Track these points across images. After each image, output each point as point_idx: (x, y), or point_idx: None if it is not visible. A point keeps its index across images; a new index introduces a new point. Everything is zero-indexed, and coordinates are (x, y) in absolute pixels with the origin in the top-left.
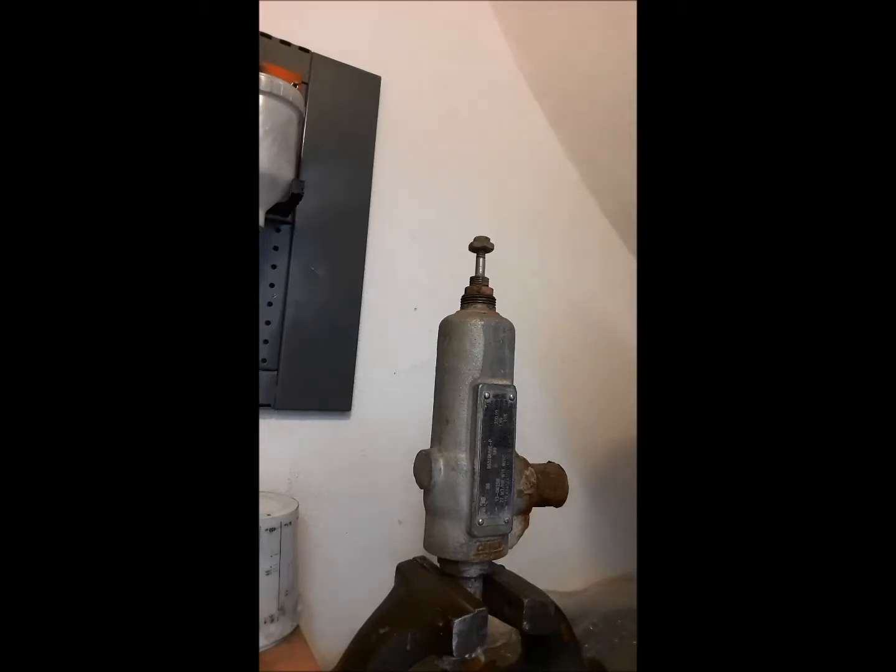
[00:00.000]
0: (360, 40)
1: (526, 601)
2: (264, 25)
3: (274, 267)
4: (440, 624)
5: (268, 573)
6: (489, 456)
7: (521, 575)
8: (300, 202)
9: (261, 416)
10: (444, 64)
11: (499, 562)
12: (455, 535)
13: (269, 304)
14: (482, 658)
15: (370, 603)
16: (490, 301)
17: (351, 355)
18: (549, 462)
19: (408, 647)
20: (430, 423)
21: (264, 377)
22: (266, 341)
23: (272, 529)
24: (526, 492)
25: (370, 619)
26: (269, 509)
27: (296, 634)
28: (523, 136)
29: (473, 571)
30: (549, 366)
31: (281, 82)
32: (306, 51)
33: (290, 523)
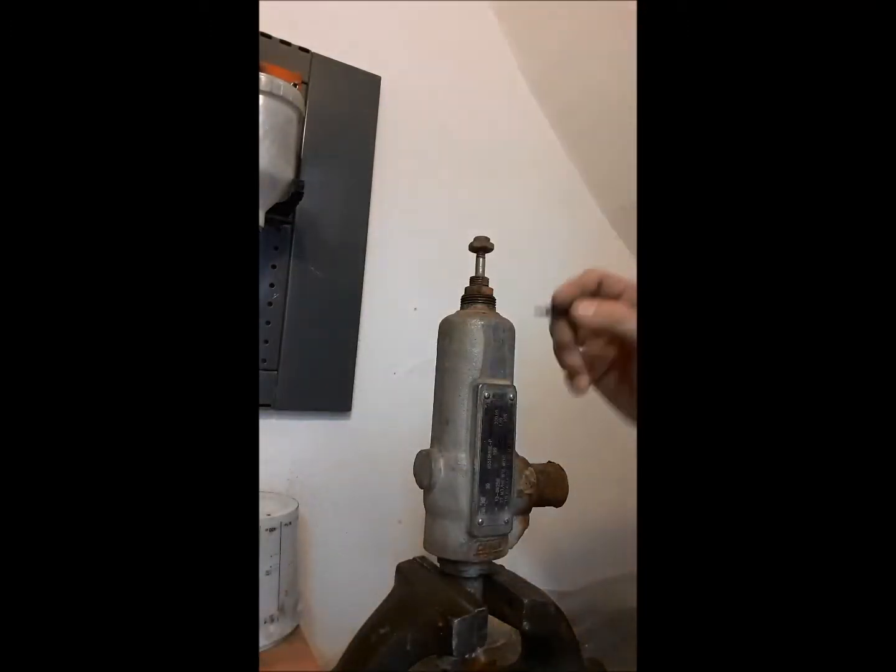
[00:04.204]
0: (360, 40)
1: (526, 601)
2: (264, 25)
3: (274, 267)
4: (440, 624)
5: (268, 573)
6: (489, 456)
7: (521, 575)
8: (300, 202)
9: (261, 416)
10: (445, 64)
11: (499, 562)
12: (455, 535)
13: (269, 304)
14: (482, 658)
15: (370, 603)
16: (490, 301)
17: (351, 355)
18: (549, 462)
19: (408, 647)
20: (430, 423)
21: (264, 377)
22: (266, 341)
23: (272, 529)
24: (526, 492)
25: (370, 619)
26: (269, 509)
27: (296, 634)
28: (523, 136)
29: (473, 571)
30: (549, 365)
31: (281, 82)
32: (306, 51)
33: (290, 523)
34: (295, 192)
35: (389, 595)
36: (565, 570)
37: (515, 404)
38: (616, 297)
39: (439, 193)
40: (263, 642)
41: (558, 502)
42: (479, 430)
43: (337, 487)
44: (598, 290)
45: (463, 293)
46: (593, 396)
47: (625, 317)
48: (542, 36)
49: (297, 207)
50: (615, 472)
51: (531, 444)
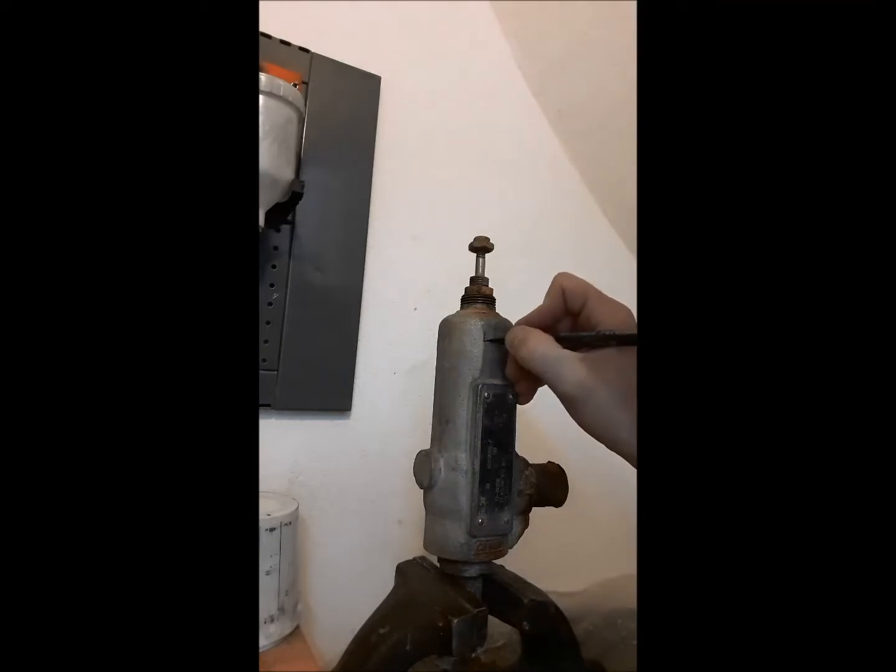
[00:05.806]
0: (360, 40)
1: (526, 601)
2: (264, 25)
3: (274, 267)
4: (440, 624)
5: (268, 573)
6: (489, 456)
7: (521, 575)
8: (300, 202)
9: (261, 416)
10: (445, 64)
11: (499, 562)
12: (455, 535)
13: (269, 304)
14: (482, 658)
15: (370, 603)
16: (490, 301)
17: (351, 355)
18: (549, 462)
19: (408, 647)
20: (430, 423)
21: (264, 377)
22: (266, 341)
23: (272, 529)
24: (526, 492)
25: (370, 619)
26: (269, 509)
27: (296, 634)
28: (523, 136)
29: (473, 571)
30: None
31: (281, 82)
32: (306, 51)
33: (290, 523)
34: (295, 192)
35: (389, 595)
36: (565, 570)
37: (515, 404)
38: (579, 308)
39: (439, 193)
40: (263, 642)
41: (558, 502)
42: (479, 430)
43: (337, 487)
44: (565, 305)
45: (463, 293)
46: None
47: (520, 344)
48: (542, 36)
49: (297, 207)
50: (615, 471)
51: (531, 444)
